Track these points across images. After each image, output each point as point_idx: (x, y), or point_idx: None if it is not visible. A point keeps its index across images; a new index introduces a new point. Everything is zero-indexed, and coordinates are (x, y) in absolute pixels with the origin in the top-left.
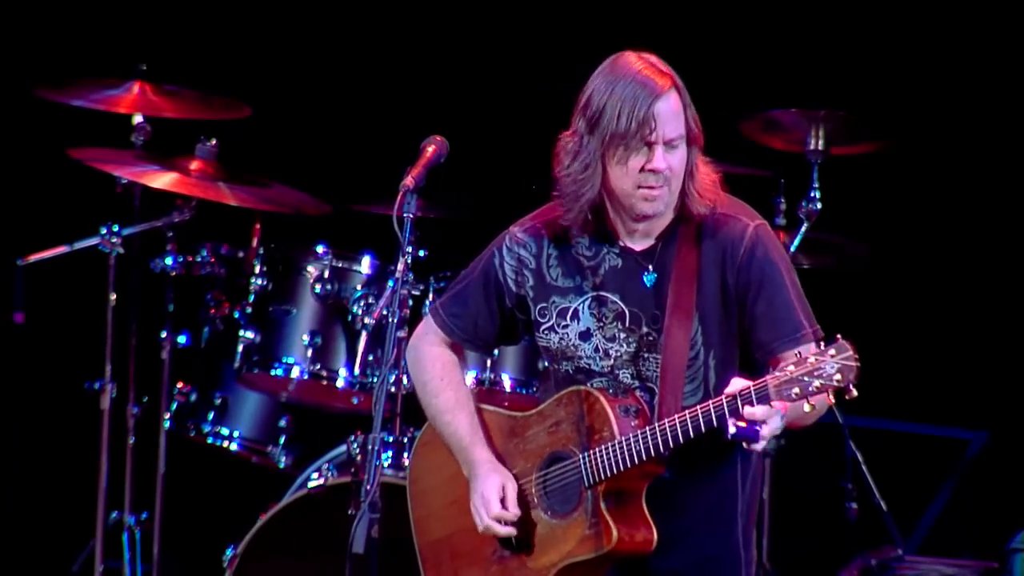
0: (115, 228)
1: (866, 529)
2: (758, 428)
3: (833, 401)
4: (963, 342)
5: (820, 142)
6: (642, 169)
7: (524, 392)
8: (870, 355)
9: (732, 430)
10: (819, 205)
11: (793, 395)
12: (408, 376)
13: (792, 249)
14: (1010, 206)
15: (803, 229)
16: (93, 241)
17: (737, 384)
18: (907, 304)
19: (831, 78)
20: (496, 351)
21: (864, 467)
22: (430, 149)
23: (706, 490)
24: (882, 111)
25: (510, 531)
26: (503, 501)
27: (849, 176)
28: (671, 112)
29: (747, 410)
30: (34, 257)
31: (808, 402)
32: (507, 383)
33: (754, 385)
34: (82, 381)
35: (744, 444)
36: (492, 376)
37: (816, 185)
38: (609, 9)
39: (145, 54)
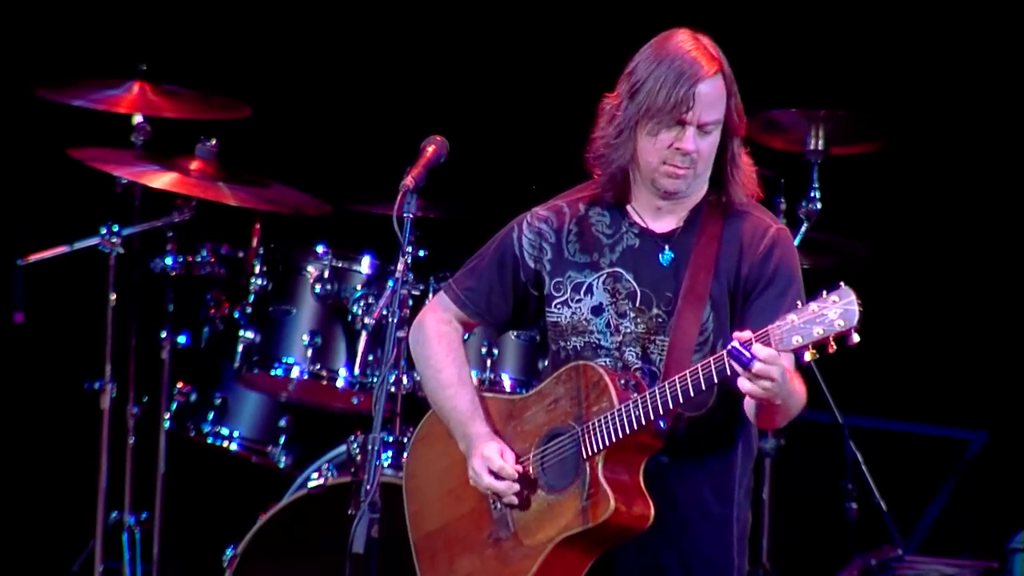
0: (115, 228)
1: (866, 529)
2: (753, 358)
3: (834, 348)
4: (963, 342)
5: (820, 142)
6: (670, 146)
7: (524, 392)
8: (870, 355)
9: (731, 345)
10: (819, 205)
11: (796, 342)
12: (409, 370)
13: None
14: (1010, 206)
15: (803, 229)
16: (93, 241)
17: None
18: (907, 304)
19: (831, 78)
20: (496, 348)
21: (864, 467)
22: (430, 149)
23: (705, 486)
24: (882, 111)
25: (512, 486)
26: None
27: (849, 176)
28: (713, 96)
29: (755, 347)
30: (34, 257)
31: (810, 350)
32: (507, 383)
33: (755, 335)
34: (82, 381)
35: (730, 370)
36: (492, 376)
37: (816, 185)
38: (609, 10)
39: (145, 54)
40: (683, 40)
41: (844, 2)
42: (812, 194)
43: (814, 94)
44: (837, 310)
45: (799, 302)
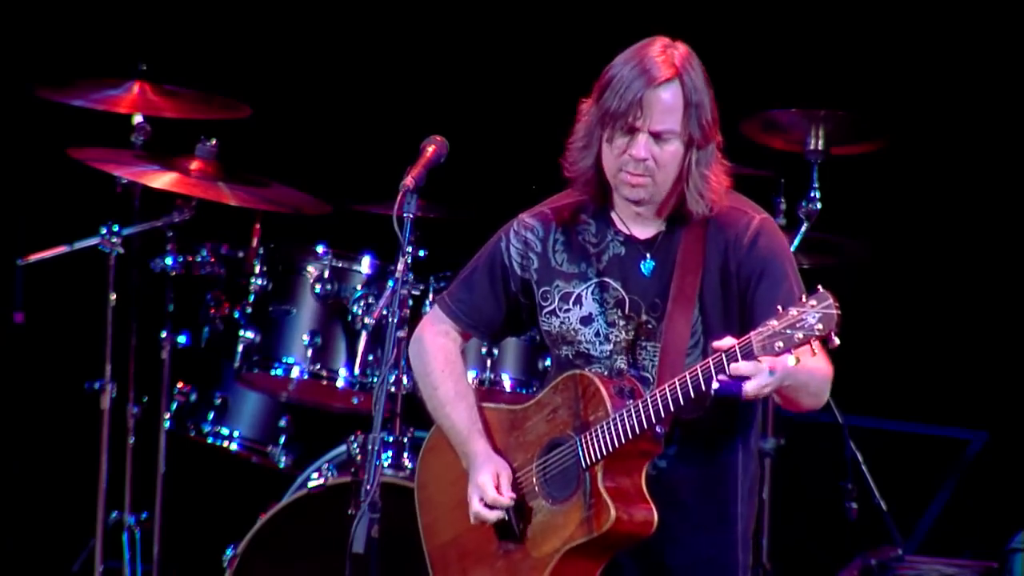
0: (115, 228)
1: (866, 529)
2: (742, 383)
3: (830, 348)
4: (963, 342)
5: (820, 142)
6: (624, 152)
7: (524, 392)
8: (871, 355)
9: (715, 385)
10: (819, 205)
11: (777, 348)
12: (409, 370)
13: (792, 249)
14: (1010, 205)
15: (803, 229)
16: (93, 241)
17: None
18: (907, 304)
19: (831, 78)
20: (496, 348)
21: (864, 467)
22: (430, 149)
23: (706, 486)
24: (882, 111)
25: (499, 515)
26: (497, 489)
27: (849, 176)
28: (665, 104)
29: (732, 366)
30: (34, 257)
31: (793, 354)
32: (507, 383)
33: (739, 342)
34: (82, 381)
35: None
36: (492, 376)
37: (816, 185)
38: (609, 9)
39: (145, 54)
40: (649, 47)
41: (844, 2)
42: (812, 194)
43: (814, 94)
44: (816, 314)
45: (797, 291)
